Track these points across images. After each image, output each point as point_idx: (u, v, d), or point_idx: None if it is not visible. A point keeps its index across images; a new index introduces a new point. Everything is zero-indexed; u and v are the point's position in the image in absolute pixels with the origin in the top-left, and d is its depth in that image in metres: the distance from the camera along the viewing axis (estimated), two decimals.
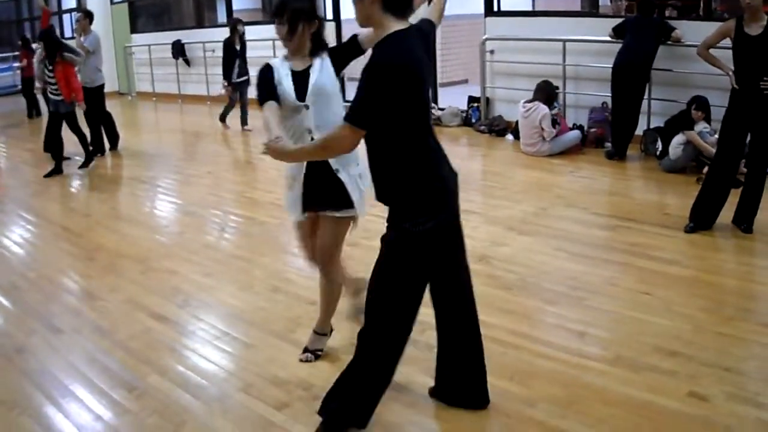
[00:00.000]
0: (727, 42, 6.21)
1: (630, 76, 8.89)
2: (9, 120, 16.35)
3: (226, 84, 12.45)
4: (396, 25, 3.03)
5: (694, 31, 8.67)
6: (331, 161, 3.81)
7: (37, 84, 10.81)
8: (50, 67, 9.47)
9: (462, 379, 3.72)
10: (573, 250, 5.99)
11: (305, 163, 3.86)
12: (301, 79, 3.81)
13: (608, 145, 9.42)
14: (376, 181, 3.27)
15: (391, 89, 2.94)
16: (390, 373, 3.43)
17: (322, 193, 3.92)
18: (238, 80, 12.47)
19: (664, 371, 4.02)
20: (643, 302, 4.94)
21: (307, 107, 3.79)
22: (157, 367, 4.32)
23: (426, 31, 3.34)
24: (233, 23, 12.64)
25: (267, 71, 3.82)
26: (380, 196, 3.28)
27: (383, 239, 3.29)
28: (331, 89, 3.87)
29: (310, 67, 3.84)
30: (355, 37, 3.92)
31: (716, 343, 4.33)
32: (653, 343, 4.33)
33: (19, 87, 17.25)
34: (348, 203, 3.94)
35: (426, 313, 4.69)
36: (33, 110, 16.15)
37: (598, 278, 5.38)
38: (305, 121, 3.80)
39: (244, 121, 12.73)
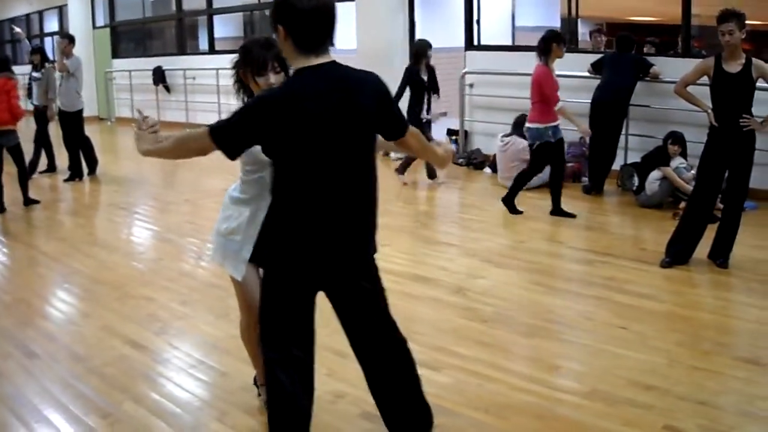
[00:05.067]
0: (704, 79, 6.26)
1: (607, 111, 8.97)
2: None
3: None
4: (305, 62, 2.90)
5: (671, 68, 8.77)
6: None
7: None
8: None
9: (402, 405, 3.54)
10: (549, 283, 6.02)
11: (259, 218, 3.43)
12: None
13: (585, 179, 9.51)
14: None
15: (260, 119, 2.86)
16: None
17: None
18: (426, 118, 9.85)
19: (640, 405, 4.02)
20: (619, 336, 4.94)
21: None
22: (132, 395, 4.28)
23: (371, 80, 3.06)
24: (422, 47, 9.87)
25: None
26: None
27: None
28: None
29: None
30: None
31: (692, 378, 4.34)
32: (629, 376, 4.33)
33: None
34: None
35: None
36: None
37: (574, 312, 5.40)
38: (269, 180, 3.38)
39: (431, 172, 10.06)
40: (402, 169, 9.88)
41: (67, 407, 4.15)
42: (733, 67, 5.98)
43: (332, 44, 2.93)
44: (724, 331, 5.18)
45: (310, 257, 3.06)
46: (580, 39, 12.55)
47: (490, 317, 5.34)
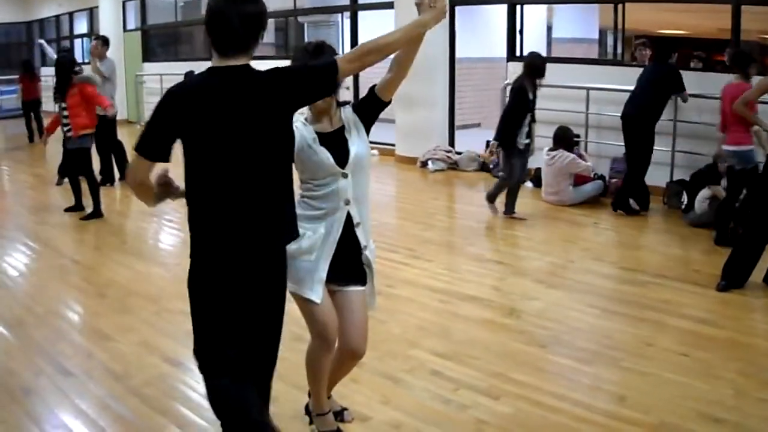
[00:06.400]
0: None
1: (631, 125, 8.66)
2: (14, 143, 16.24)
3: (496, 146, 8.69)
4: (217, 62, 2.91)
5: (718, 84, 8.56)
6: (361, 238, 3.50)
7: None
8: (63, 104, 8.89)
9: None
10: (605, 306, 5.80)
11: (334, 234, 3.42)
12: (334, 142, 3.42)
13: (632, 201, 9.08)
14: None
15: (168, 112, 2.85)
16: None
17: (349, 267, 3.55)
18: (525, 143, 8.55)
19: None
20: (681, 364, 4.73)
21: (345, 176, 3.40)
22: (175, 418, 4.09)
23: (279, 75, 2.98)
24: (539, 62, 8.55)
25: None
26: None
27: None
28: (368, 155, 3.54)
29: (343, 129, 3.46)
30: (373, 88, 3.52)
31: (759, 410, 4.15)
32: (696, 408, 4.14)
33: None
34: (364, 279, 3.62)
35: (460, 371, 4.55)
36: (32, 134, 16.05)
37: (632, 337, 5.19)
38: (342, 191, 3.40)
39: (510, 206, 8.79)
40: (492, 198, 8.79)
41: (105, 430, 3.97)
42: None
43: (246, 48, 2.91)
44: None
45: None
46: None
47: (547, 341, 5.14)
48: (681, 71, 8.72)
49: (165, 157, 2.91)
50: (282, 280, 3.11)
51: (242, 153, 2.88)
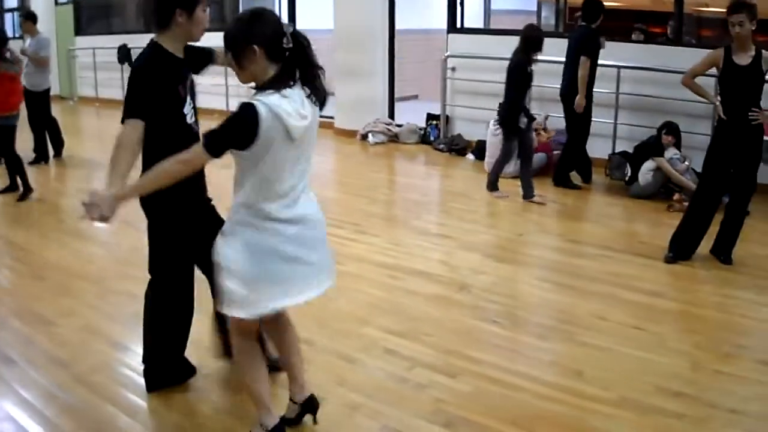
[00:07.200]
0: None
1: (565, 100, 8.69)
2: None
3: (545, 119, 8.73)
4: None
5: (660, 56, 8.58)
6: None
7: None
8: None
9: None
10: (555, 279, 5.78)
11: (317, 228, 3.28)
12: None
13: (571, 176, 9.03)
14: None
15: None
16: None
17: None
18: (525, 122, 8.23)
19: (672, 414, 3.82)
20: (637, 338, 4.73)
21: None
22: (124, 407, 3.92)
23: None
24: (538, 35, 8.06)
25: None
26: None
27: None
28: None
29: None
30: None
31: (718, 383, 4.19)
32: (655, 382, 4.13)
33: None
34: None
35: (414, 348, 4.48)
36: None
37: (586, 311, 5.15)
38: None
39: (529, 192, 8.23)
40: (494, 185, 8.46)
41: (54, 422, 3.79)
42: (743, 59, 5.81)
43: (153, 26, 3.51)
44: (741, 332, 5.00)
45: None
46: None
47: (501, 317, 5.08)
48: (623, 43, 8.72)
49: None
50: None
51: None
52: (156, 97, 3.46)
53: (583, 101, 8.32)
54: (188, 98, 3.64)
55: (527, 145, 8.27)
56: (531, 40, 7.94)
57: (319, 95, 3.08)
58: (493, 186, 8.44)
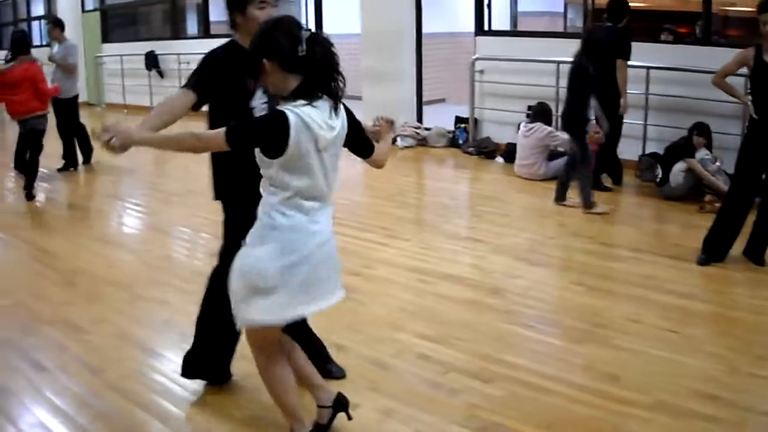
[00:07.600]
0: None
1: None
2: None
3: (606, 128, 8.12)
4: None
5: (689, 56, 8.50)
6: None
7: None
8: None
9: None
10: (588, 282, 5.72)
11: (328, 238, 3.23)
12: None
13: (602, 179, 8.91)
14: None
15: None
16: None
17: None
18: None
19: (708, 418, 3.77)
20: (671, 341, 4.68)
21: None
22: (157, 413, 3.92)
23: None
24: (599, 39, 7.89)
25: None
26: None
27: None
28: None
29: None
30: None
31: (753, 386, 4.12)
32: (690, 386, 4.08)
33: None
34: None
35: (448, 353, 4.45)
36: None
37: (619, 314, 5.10)
38: None
39: (562, 192, 8.14)
40: (561, 196, 8.11)
41: (85, 428, 3.79)
42: None
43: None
44: None
45: None
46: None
47: (535, 321, 5.05)
48: (652, 44, 8.65)
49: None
50: None
51: None
52: (216, 79, 3.59)
53: (627, 103, 8.28)
54: (261, 94, 3.62)
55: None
56: (592, 43, 7.73)
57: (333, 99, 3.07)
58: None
